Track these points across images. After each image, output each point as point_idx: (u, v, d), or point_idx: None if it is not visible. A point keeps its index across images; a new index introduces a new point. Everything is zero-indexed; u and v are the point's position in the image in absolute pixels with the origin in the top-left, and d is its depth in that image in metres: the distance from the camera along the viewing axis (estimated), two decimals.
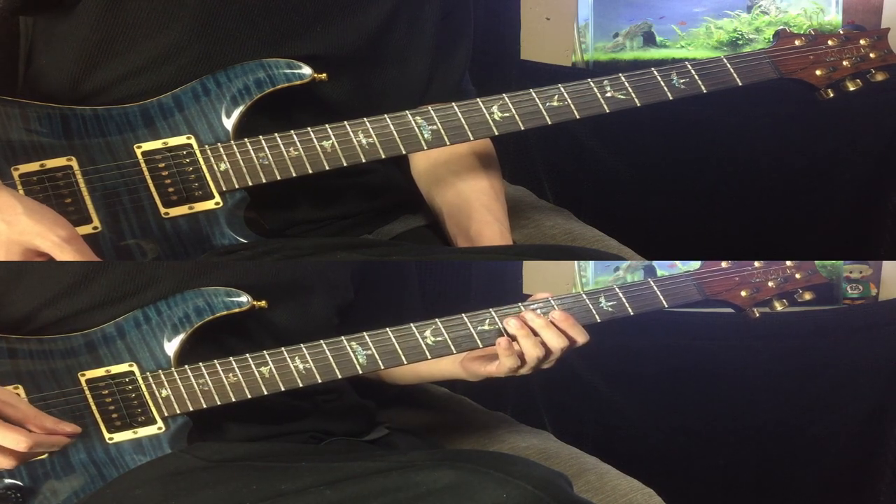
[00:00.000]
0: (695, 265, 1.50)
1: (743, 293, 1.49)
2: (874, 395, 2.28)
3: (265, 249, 1.37)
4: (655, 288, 1.45)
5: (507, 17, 2.29)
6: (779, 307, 1.50)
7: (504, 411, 1.75)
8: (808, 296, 1.50)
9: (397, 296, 1.61)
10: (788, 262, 1.51)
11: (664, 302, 1.45)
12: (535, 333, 1.39)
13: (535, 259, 2.04)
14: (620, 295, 1.44)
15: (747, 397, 2.29)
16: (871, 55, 1.53)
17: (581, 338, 1.40)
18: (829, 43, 1.53)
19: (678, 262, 2.12)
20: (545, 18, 2.31)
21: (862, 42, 1.53)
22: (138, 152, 1.37)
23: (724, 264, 1.49)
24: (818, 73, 1.51)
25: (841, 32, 1.54)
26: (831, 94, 1.52)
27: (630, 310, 1.44)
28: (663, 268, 2.18)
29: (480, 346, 1.40)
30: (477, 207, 1.52)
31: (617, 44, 2.28)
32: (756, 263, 1.50)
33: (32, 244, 1.25)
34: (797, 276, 1.50)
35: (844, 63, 1.52)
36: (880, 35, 1.55)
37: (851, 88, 1.53)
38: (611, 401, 2.31)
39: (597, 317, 1.43)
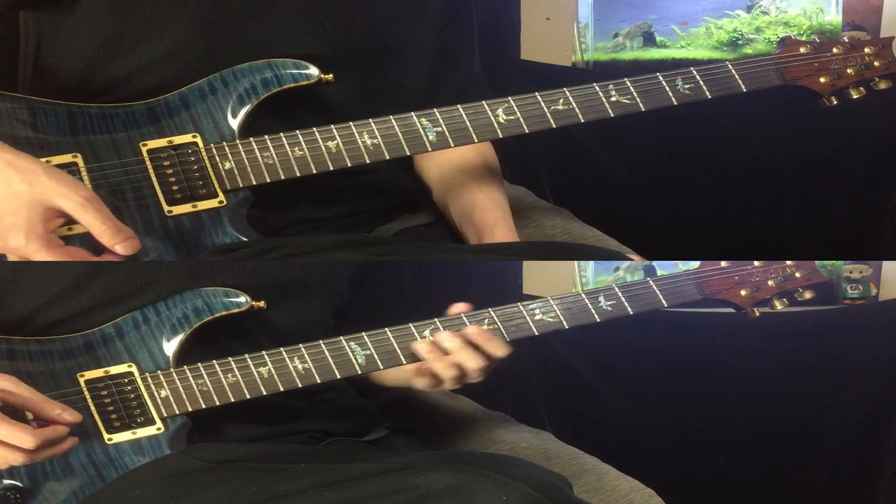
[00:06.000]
0: (694, 265, 1.50)
1: (743, 292, 1.49)
2: (874, 395, 2.28)
3: (265, 247, 1.37)
4: (655, 287, 1.45)
5: (507, 17, 2.28)
6: (779, 306, 1.50)
7: (504, 411, 1.75)
8: (808, 295, 1.50)
9: (393, 296, 1.61)
10: (788, 262, 1.51)
11: (664, 301, 1.45)
12: (447, 355, 1.37)
13: (535, 259, 2.04)
14: (620, 294, 1.44)
15: (747, 397, 2.29)
16: (876, 63, 1.54)
17: (500, 351, 1.38)
18: (834, 51, 1.54)
19: (679, 262, 2.12)
20: (545, 18, 2.30)
21: (867, 50, 1.55)
22: (143, 150, 1.37)
23: (723, 263, 1.49)
24: (822, 80, 1.52)
25: (846, 40, 1.56)
26: (835, 102, 1.54)
27: (629, 309, 1.44)
28: (664, 268, 2.18)
29: None
30: (493, 220, 1.53)
31: (617, 44, 2.28)
32: (756, 263, 1.50)
33: (55, 204, 1.25)
34: (797, 274, 1.50)
35: (849, 71, 1.53)
36: (885, 43, 1.56)
37: (855, 96, 1.54)
38: (611, 401, 2.31)
39: (596, 316, 1.43)
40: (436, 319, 1.39)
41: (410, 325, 1.39)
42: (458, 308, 1.41)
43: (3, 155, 1.26)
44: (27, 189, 1.24)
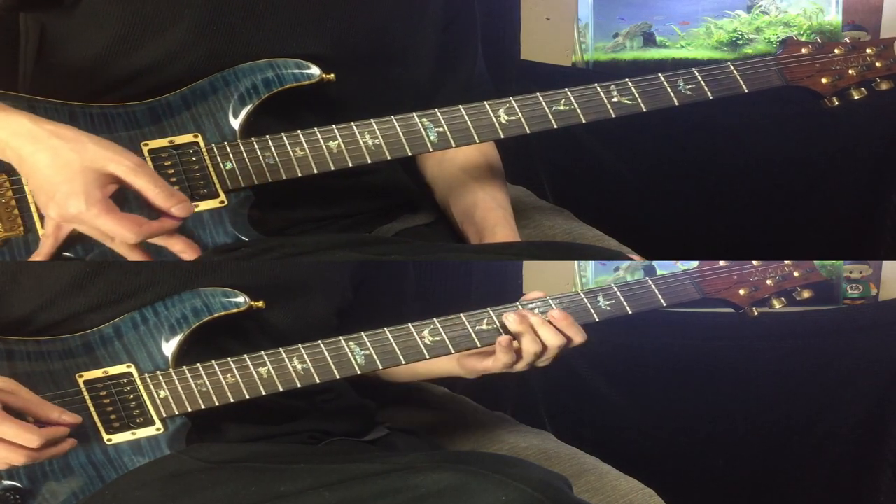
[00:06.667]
0: (694, 265, 1.50)
1: (741, 291, 1.49)
2: (874, 395, 2.28)
3: (265, 247, 1.38)
4: (654, 287, 1.45)
5: (507, 17, 2.28)
6: (777, 305, 1.51)
7: (504, 411, 1.75)
8: (806, 294, 1.51)
9: (396, 295, 1.61)
10: (787, 261, 1.51)
11: (662, 301, 1.45)
12: (534, 330, 1.39)
13: (535, 259, 2.04)
14: (619, 294, 1.44)
15: (747, 397, 2.29)
16: (877, 64, 1.54)
17: (578, 337, 1.41)
18: (836, 52, 1.54)
19: (678, 262, 2.12)
20: (545, 18, 2.30)
21: (868, 51, 1.55)
22: (145, 150, 1.37)
23: (721, 263, 1.50)
24: (824, 81, 1.52)
25: (847, 40, 1.56)
26: (836, 103, 1.54)
27: (628, 309, 1.44)
28: (664, 268, 2.18)
29: (479, 345, 1.40)
30: (495, 220, 1.54)
31: (617, 44, 2.28)
32: (754, 262, 1.50)
33: (106, 170, 1.25)
34: (795, 274, 1.50)
35: (850, 72, 1.53)
36: (886, 44, 1.56)
37: (856, 97, 1.54)
38: (611, 401, 2.31)
39: (595, 316, 1.43)
40: (434, 319, 1.39)
41: (409, 325, 1.39)
42: (534, 295, 1.43)
43: (46, 126, 1.26)
44: (77, 157, 1.24)
